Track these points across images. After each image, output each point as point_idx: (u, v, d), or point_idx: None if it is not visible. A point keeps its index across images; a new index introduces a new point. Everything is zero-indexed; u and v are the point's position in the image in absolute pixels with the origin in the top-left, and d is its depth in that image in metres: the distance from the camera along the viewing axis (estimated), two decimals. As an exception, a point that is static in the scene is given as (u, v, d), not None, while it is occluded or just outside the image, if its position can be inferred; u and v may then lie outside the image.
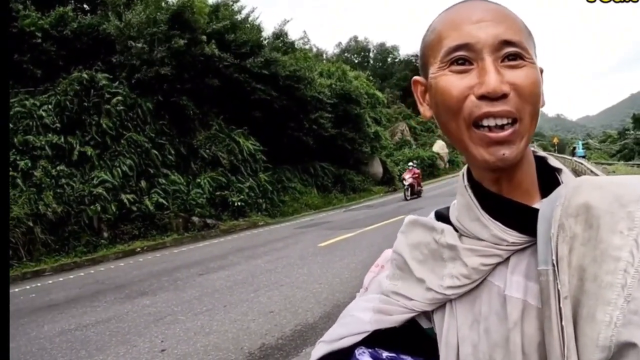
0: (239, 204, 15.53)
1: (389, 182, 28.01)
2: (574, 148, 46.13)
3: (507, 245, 0.61)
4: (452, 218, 0.70)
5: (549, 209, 0.56)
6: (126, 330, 5.15)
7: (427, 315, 0.74)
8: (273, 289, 6.29)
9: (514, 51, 0.58)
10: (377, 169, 27.51)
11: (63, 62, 13.43)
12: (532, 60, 0.59)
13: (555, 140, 62.17)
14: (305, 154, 20.68)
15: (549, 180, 0.65)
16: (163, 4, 14.85)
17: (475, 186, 0.67)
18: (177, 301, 6.17)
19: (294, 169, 20.45)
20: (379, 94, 33.83)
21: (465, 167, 0.71)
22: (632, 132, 45.40)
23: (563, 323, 0.51)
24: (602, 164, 25.83)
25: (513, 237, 0.60)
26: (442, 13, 0.64)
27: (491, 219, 0.62)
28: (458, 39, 0.59)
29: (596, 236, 0.51)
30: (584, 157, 39.29)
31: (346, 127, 23.10)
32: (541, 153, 0.69)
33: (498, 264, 0.63)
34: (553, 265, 0.53)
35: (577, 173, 22.08)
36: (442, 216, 0.74)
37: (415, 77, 0.70)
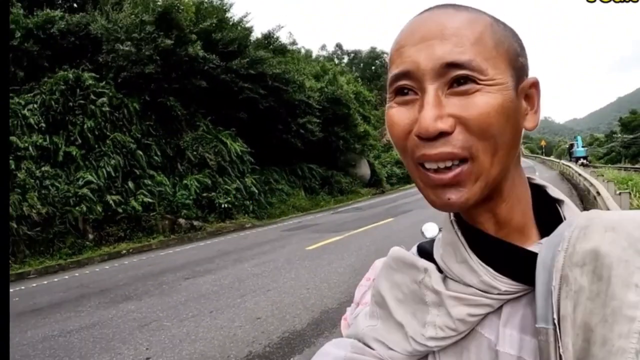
0: (226, 205, 15.45)
1: (376, 184, 28.11)
2: (571, 145, 42.73)
3: (498, 294, 0.52)
4: (437, 256, 0.60)
5: (550, 256, 0.48)
6: (110, 336, 5.09)
7: None
8: (260, 294, 6.26)
9: (462, 74, 0.48)
10: (365, 171, 27.57)
11: (48, 62, 13.21)
12: (489, 82, 0.48)
13: (543, 143, 63.08)
14: (293, 155, 20.64)
15: (548, 214, 0.56)
16: (151, 4, 14.68)
17: (462, 221, 0.57)
18: (162, 306, 6.11)
19: (281, 170, 20.40)
20: (367, 92, 33.85)
21: None
22: (619, 135, 45.81)
23: None
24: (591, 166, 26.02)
25: (505, 285, 0.51)
26: (402, 27, 0.55)
27: (480, 262, 0.53)
28: (400, 66, 0.51)
29: (606, 290, 0.43)
30: (585, 157, 37.06)
31: (338, 126, 23.18)
32: (539, 181, 0.60)
33: (488, 313, 0.54)
34: (554, 325, 0.45)
35: (564, 176, 22.30)
36: (425, 252, 0.64)
37: None
